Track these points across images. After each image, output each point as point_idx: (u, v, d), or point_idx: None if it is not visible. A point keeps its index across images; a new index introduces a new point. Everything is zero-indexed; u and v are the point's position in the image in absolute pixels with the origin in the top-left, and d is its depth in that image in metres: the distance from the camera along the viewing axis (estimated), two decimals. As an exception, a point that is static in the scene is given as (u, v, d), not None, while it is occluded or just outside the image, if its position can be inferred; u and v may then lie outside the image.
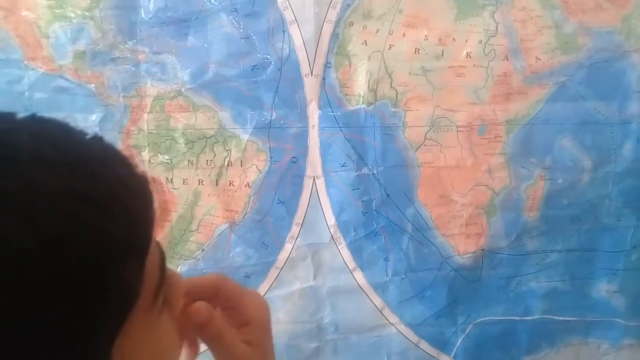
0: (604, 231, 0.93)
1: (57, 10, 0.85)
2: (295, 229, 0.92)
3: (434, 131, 0.90)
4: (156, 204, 0.33)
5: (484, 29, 0.87)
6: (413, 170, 0.90)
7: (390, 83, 0.88)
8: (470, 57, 0.88)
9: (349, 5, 0.86)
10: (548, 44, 0.88)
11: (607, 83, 0.89)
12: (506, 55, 0.88)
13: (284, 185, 0.91)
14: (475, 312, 0.94)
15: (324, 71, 0.88)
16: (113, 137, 0.89)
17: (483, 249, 0.93)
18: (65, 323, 0.26)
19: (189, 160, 0.90)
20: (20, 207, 0.25)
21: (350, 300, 0.93)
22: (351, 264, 0.92)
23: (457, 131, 0.90)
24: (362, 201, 0.91)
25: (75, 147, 0.30)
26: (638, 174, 0.91)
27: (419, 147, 0.90)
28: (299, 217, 0.92)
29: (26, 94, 0.87)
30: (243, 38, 0.87)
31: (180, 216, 0.92)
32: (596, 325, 0.96)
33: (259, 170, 0.91)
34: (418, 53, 0.88)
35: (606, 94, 0.89)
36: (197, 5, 0.86)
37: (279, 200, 0.91)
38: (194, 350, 0.46)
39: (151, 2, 0.86)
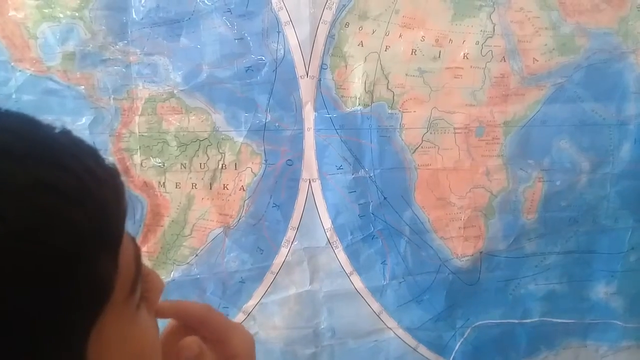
0: (602, 233, 0.92)
1: (46, 11, 0.83)
2: (291, 233, 0.90)
3: (431, 133, 0.88)
4: (127, 196, 0.32)
5: (481, 30, 0.86)
6: (410, 172, 0.89)
7: (387, 84, 0.87)
8: (467, 58, 0.87)
9: (344, 5, 0.85)
10: (545, 45, 0.87)
11: (604, 84, 0.88)
12: (503, 57, 0.87)
13: (279, 189, 0.89)
14: (473, 315, 0.93)
15: (320, 72, 0.86)
16: (104, 141, 0.87)
17: (481, 252, 0.92)
18: (36, 317, 0.25)
19: (181, 164, 0.88)
20: None
21: (348, 305, 0.92)
22: (348, 268, 0.91)
23: (455, 133, 0.89)
24: (359, 204, 0.90)
25: (41, 139, 0.29)
26: (635, 175, 0.90)
27: (416, 149, 0.89)
28: (294, 221, 0.90)
29: (13, 96, 0.84)
30: (237, 39, 0.85)
31: (173, 221, 0.90)
32: (594, 328, 0.95)
33: (253, 173, 0.89)
34: (415, 54, 0.87)
35: (604, 95, 0.89)
36: (189, 5, 0.85)
37: (274, 203, 0.90)
38: None
39: (142, 2, 0.84)
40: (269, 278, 0.91)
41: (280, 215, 0.90)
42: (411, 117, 0.88)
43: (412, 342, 0.93)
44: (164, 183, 0.89)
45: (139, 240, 0.89)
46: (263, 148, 0.88)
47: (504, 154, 0.89)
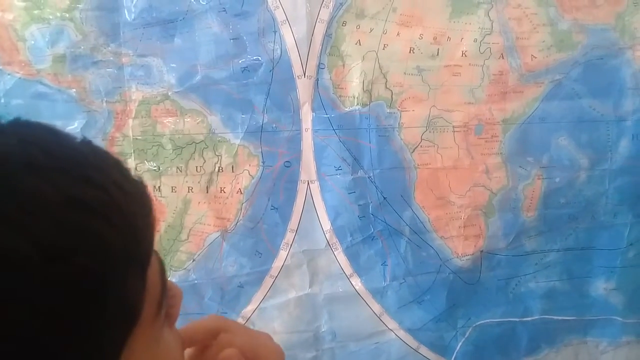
0: (601, 229, 0.92)
1: (35, 12, 0.80)
2: (289, 236, 0.89)
3: (430, 132, 0.88)
4: (154, 210, 0.31)
5: (479, 27, 0.86)
6: (410, 172, 0.88)
7: (385, 83, 0.86)
8: (465, 56, 0.86)
9: (341, 4, 0.84)
10: (543, 41, 0.86)
11: (602, 80, 0.88)
12: (502, 54, 0.87)
13: (277, 191, 0.88)
14: (474, 314, 0.93)
15: (317, 72, 0.85)
16: (96, 145, 0.84)
17: (482, 251, 0.91)
18: (67, 340, 0.24)
19: (177, 167, 0.86)
20: (16, 218, 0.23)
21: (348, 307, 0.91)
22: (348, 269, 0.90)
23: (454, 131, 0.88)
24: (358, 205, 0.88)
25: (67, 151, 0.28)
26: (633, 171, 0.91)
27: (416, 148, 0.88)
28: (293, 223, 0.89)
29: (2, 100, 0.82)
30: (232, 39, 0.84)
31: (169, 225, 0.88)
32: (594, 324, 0.95)
33: (251, 175, 0.87)
34: (413, 52, 0.86)
35: (601, 92, 0.89)
36: (183, 5, 0.83)
37: (272, 206, 0.88)
38: None
39: (134, 2, 0.82)
40: (268, 282, 0.90)
41: (279, 218, 0.88)
42: (410, 116, 0.87)
43: (414, 343, 0.92)
44: (159, 187, 0.87)
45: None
46: (260, 150, 0.87)
47: (503, 151, 0.89)
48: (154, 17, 0.82)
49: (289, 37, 0.84)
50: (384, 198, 0.88)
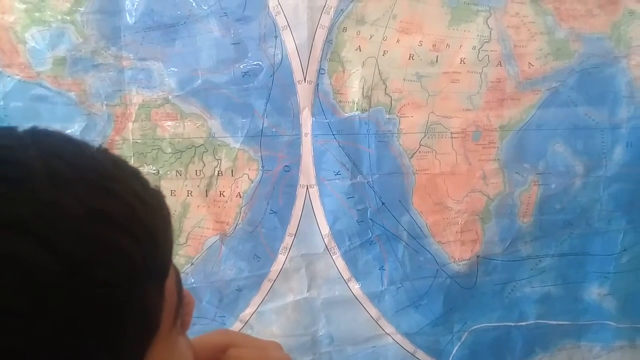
0: (595, 235, 0.94)
1: (35, 14, 0.80)
2: (288, 240, 0.89)
3: (428, 138, 0.89)
4: (172, 222, 0.30)
5: (478, 35, 0.87)
6: (408, 177, 0.89)
7: (385, 89, 0.87)
8: (464, 63, 0.87)
9: (342, 10, 0.84)
10: (541, 49, 0.88)
11: (597, 88, 0.90)
12: (500, 61, 0.88)
13: (276, 195, 0.88)
14: (470, 319, 0.94)
15: (317, 77, 0.86)
16: (96, 148, 0.84)
17: (478, 256, 0.92)
18: (87, 353, 0.24)
19: (177, 171, 0.86)
20: (39, 231, 0.23)
21: (346, 312, 0.91)
22: (346, 274, 0.90)
23: (452, 137, 0.89)
24: (357, 210, 0.89)
25: (88, 162, 0.28)
26: (627, 178, 0.92)
27: (414, 154, 0.89)
28: (292, 228, 0.89)
29: (1, 103, 0.81)
30: (233, 43, 0.84)
31: (168, 229, 0.88)
32: (588, 329, 0.97)
33: (250, 179, 0.88)
34: (412, 59, 0.86)
35: (597, 99, 0.90)
36: (184, 9, 0.83)
37: (271, 210, 0.88)
38: None
39: (136, 6, 0.82)
40: (266, 286, 0.90)
41: (278, 222, 0.89)
42: (409, 122, 0.88)
43: (411, 347, 0.93)
44: (158, 191, 0.86)
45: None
46: (260, 154, 0.87)
47: (500, 158, 0.90)
48: (155, 21, 0.82)
49: (290, 42, 0.84)
50: (383, 203, 0.89)
